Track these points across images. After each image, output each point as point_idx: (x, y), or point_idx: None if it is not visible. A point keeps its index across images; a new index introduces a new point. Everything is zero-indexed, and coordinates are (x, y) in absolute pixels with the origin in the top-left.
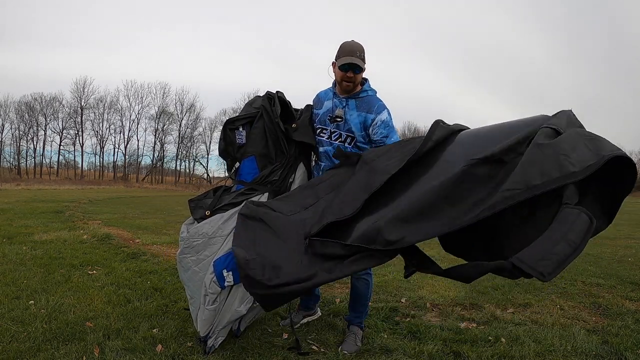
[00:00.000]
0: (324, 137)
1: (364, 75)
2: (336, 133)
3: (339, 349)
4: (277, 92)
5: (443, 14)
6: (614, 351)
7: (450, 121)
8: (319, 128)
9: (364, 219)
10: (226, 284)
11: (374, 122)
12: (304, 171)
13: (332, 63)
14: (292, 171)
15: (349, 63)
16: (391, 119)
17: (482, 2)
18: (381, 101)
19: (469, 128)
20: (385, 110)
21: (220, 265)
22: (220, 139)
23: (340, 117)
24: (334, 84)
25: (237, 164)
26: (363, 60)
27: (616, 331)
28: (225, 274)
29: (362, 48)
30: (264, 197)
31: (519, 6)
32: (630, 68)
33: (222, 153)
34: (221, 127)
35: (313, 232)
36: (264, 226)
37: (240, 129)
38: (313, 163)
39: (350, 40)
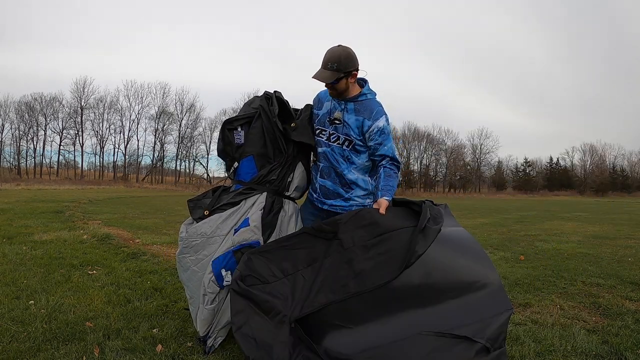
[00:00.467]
0: (322, 138)
1: (363, 76)
2: (334, 135)
3: None
4: (275, 91)
5: (443, 14)
6: (614, 351)
7: (450, 122)
8: (318, 129)
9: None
10: (225, 283)
11: (371, 129)
12: (303, 170)
13: None
14: (291, 170)
15: (317, 79)
16: (388, 125)
17: (482, 2)
18: (380, 106)
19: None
20: (383, 116)
21: (218, 264)
22: (218, 139)
23: (339, 120)
24: None
25: (236, 164)
26: (338, 70)
27: (616, 331)
28: (224, 273)
29: (339, 55)
30: (262, 197)
31: (519, 6)
32: (630, 68)
33: (221, 153)
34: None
35: (294, 317)
36: (253, 305)
37: (239, 129)
38: (312, 163)
39: (335, 45)
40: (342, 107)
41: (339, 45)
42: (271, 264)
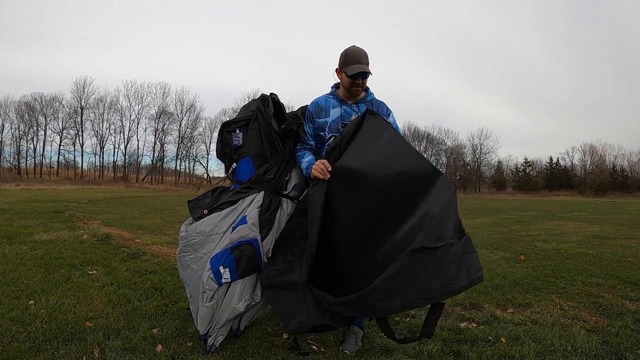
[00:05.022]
0: None
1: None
2: None
3: (340, 348)
4: (271, 94)
5: (443, 13)
6: (614, 351)
7: (450, 122)
8: (332, 136)
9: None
10: (223, 280)
11: None
12: (300, 170)
13: (336, 69)
14: (288, 169)
15: (360, 72)
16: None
17: (484, 2)
18: (384, 102)
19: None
20: (392, 112)
21: (217, 262)
22: (217, 141)
23: None
24: (335, 89)
25: (234, 165)
26: (369, 64)
27: (616, 331)
28: (222, 270)
29: (366, 53)
30: (259, 196)
31: (521, 6)
32: (631, 68)
33: (220, 155)
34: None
35: (304, 278)
36: (281, 289)
37: (237, 132)
38: None
39: (352, 45)
40: (356, 110)
41: (356, 46)
42: (285, 254)
